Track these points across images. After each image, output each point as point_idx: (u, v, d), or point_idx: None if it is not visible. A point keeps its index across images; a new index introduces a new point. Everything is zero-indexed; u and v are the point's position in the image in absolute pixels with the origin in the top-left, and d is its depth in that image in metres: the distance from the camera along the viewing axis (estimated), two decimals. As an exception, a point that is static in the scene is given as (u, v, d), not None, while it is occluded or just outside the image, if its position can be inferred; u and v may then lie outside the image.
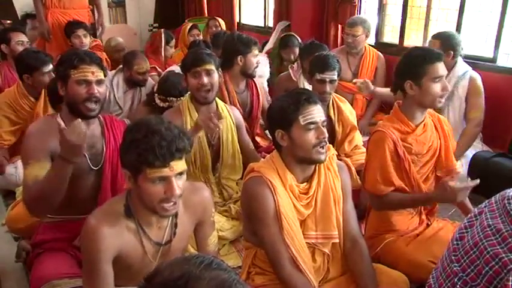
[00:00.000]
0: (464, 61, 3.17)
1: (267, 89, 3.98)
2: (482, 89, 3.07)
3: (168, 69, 3.94)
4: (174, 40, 4.92)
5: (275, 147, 1.80)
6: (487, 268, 1.21)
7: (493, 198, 1.33)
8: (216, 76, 2.49)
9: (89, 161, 1.97)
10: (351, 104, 3.27)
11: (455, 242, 1.36)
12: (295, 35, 4.27)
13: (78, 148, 1.74)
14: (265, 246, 1.72)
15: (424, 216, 2.24)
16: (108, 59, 4.71)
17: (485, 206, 1.34)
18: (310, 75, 2.80)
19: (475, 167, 2.94)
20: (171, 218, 1.56)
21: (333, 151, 1.84)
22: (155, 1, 7.42)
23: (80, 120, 1.77)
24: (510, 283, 1.15)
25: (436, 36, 3.10)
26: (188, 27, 5.09)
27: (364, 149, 2.89)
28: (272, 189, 1.68)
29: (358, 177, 2.74)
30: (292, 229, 1.70)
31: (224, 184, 2.70)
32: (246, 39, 3.08)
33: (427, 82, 2.00)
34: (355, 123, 2.93)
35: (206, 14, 6.88)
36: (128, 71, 3.55)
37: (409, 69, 2.03)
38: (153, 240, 1.54)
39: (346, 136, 2.88)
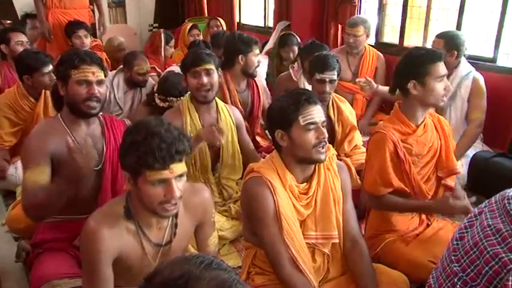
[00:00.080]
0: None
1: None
2: (485, 90, 3.07)
3: (167, 69, 3.95)
4: (173, 40, 4.93)
5: (275, 147, 1.80)
6: (487, 268, 1.21)
7: (493, 198, 1.33)
8: (215, 76, 2.49)
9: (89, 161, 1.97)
10: (351, 104, 3.27)
11: (455, 242, 1.36)
12: (294, 34, 4.28)
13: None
14: (265, 246, 1.72)
15: (424, 216, 2.24)
16: (108, 59, 4.71)
17: (485, 206, 1.34)
18: (310, 75, 2.81)
19: (475, 167, 2.94)
20: (171, 218, 1.56)
21: (332, 151, 1.84)
22: (155, 1, 7.42)
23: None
24: (510, 283, 1.15)
25: (440, 36, 3.09)
26: (188, 27, 5.10)
27: (364, 149, 2.89)
28: (272, 190, 1.68)
29: (358, 177, 2.75)
30: (292, 229, 1.70)
31: (224, 184, 2.70)
32: (247, 38, 3.09)
33: (431, 81, 2.01)
34: (355, 123, 2.94)
35: (206, 14, 6.89)
36: (128, 72, 3.56)
37: (412, 69, 2.03)
38: (153, 241, 1.54)
39: (346, 136, 2.88)
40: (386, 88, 3.36)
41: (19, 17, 5.86)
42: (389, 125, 2.10)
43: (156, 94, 3.09)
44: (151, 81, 3.69)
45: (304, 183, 1.78)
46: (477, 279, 1.23)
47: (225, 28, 5.22)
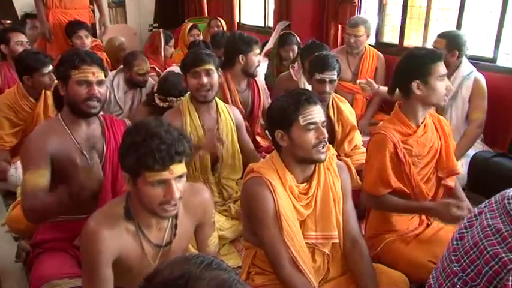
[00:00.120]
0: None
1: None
2: (486, 91, 3.07)
3: (167, 69, 3.95)
4: (173, 40, 4.92)
5: (275, 147, 1.80)
6: (486, 268, 1.21)
7: (493, 198, 1.33)
8: (215, 76, 2.49)
9: (89, 161, 1.97)
10: (351, 104, 3.27)
11: (455, 242, 1.36)
12: (293, 33, 4.28)
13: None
14: (265, 246, 1.72)
15: (424, 217, 2.24)
16: (108, 59, 4.71)
17: (485, 206, 1.34)
18: (310, 75, 2.81)
19: (475, 167, 2.94)
20: (171, 219, 1.55)
21: (332, 151, 1.84)
22: (155, 1, 7.42)
23: None
24: (510, 283, 1.15)
25: (442, 35, 3.09)
26: (188, 27, 5.10)
27: (364, 149, 2.89)
28: (272, 190, 1.68)
29: (358, 177, 2.75)
30: (291, 229, 1.70)
31: (224, 184, 2.70)
32: (248, 38, 3.09)
33: (434, 81, 2.02)
34: (355, 123, 2.94)
35: (206, 14, 6.89)
36: (128, 72, 3.56)
37: (415, 69, 2.04)
38: (153, 242, 1.54)
39: (345, 136, 2.88)
40: (386, 88, 3.38)
41: (19, 17, 5.86)
42: (389, 126, 2.09)
43: (156, 94, 3.09)
44: (151, 81, 3.69)
45: (304, 184, 1.78)
46: (477, 279, 1.23)
47: (225, 28, 5.22)
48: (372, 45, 4.07)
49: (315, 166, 1.78)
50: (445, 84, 2.06)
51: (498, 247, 1.20)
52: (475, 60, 3.33)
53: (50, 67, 2.95)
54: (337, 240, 1.80)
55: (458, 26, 3.64)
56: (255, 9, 6.43)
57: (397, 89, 2.16)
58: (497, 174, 2.77)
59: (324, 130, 1.70)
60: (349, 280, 1.83)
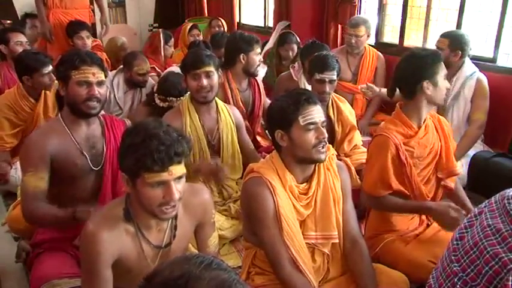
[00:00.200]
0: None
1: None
2: (488, 91, 3.07)
3: (167, 69, 3.95)
4: (172, 39, 4.91)
5: (275, 147, 1.80)
6: (486, 268, 1.21)
7: (492, 198, 1.33)
8: (215, 77, 2.49)
9: (89, 162, 1.97)
10: (351, 104, 3.27)
11: (455, 242, 1.36)
12: (293, 33, 4.28)
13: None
14: (265, 246, 1.72)
15: (424, 217, 2.24)
16: (108, 59, 4.71)
17: (485, 206, 1.34)
18: (310, 75, 2.81)
19: (475, 167, 2.94)
20: (170, 220, 1.55)
21: (332, 151, 1.84)
22: (155, 1, 7.42)
23: None
24: (510, 283, 1.15)
25: (446, 35, 3.08)
26: (188, 27, 5.10)
27: (364, 149, 2.90)
28: (272, 190, 1.68)
29: (358, 177, 2.75)
30: (291, 229, 1.70)
31: (224, 183, 2.70)
32: (248, 37, 3.09)
33: (440, 80, 2.05)
34: (355, 123, 2.94)
35: (206, 14, 6.89)
36: (128, 72, 3.56)
37: (425, 70, 2.04)
38: (152, 243, 1.53)
39: (345, 136, 2.89)
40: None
41: (19, 17, 5.86)
42: (391, 128, 2.09)
43: (156, 94, 3.09)
44: (151, 81, 3.69)
45: (304, 184, 1.78)
46: (477, 279, 1.23)
47: (226, 28, 5.22)
48: (372, 45, 4.07)
49: (315, 166, 1.78)
50: (446, 83, 2.09)
51: (498, 247, 1.20)
52: (475, 60, 3.33)
53: (50, 67, 2.94)
54: (337, 240, 1.80)
55: (458, 26, 3.64)
56: (255, 9, 6.43)
57: (398, 90, 2.16)
58: (497, 174, 2.77)
59: (324, 130, 1.70)
60: (349, 280, 1.83)
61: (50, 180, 1.92)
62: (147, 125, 1.40)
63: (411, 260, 2.03)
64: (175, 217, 1.55)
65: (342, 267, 1.86)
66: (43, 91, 3.01)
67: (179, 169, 1.39)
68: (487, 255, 1.21)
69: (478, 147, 3.16)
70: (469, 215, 1.39)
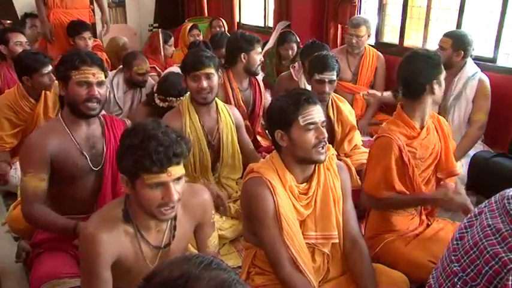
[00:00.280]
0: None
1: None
2: (490, 92, 3.06)
3: (167, 70, 3.95)
4: (172, 39, 4.91)
5: (275, 147, 1.80)
6: (487, 268, 1.21)
7: (492, 198, 1.33)
8: (215, 79, 2.49)
9: (89, 162, 1.97)
10: (351, 104, 3.27)
11: (455, 242, 1.36)
12: (293, 32, 4.28)
13: None
14: (265, 246, 1.71)
15: (424, 217, 2.24)
16: (108, 59, 4.71)
17: (485, 206, 1.34)
18: (310, 75, 2.81)
19: (475, 167, 2.93)
20: (170, 220, 1.55)
21: (332, 151, 1.84)
22: (155, 1, 7.42)
23: None
24: (510, 283, 1.15)
25: (449, 35, 3.08)
26: (188, 27, 5.10)
27: (364, 149, 2.90)
28: (272, 190, 1.68)
29: (358, 177, 2.75)
30: (291, 229, 1.70)
31: (224, 183, 2.70)
32: (249, 36, 3.10)
33: (442, 80, 2.08)
34: (355, 123, 2.93)
35: (206, 14, 6.89)
36: (127, 72, 3.56)
37: (434, 70, 2.05)
38: (151, 244, 1.53)
39: (345, 136, 2.88)
40: (389, 93, 3.39)
41: (19, 17, 5.87)
42: (394, 129, 2.09)
43: (155, 94, 3.09)
44: (151, 81, 3.69)
45: (304, 184, 1.78)
46: (477, 279, 1.23)
47: (226, 29, 5.22)
48: (372, 45, 4.07)
49: (315, 166, 1.78)
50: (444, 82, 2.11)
51: (498, 247, 1.20)
52: (475, 60, 3.32)
53: (50, 67, 2.94)
54: (337, 240, 1.79)
55: (458, 26, 3.64)
56: (255, 9, 6.43)
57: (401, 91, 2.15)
58: (497, 174, 2.77)
59: (324, 130, 1.70)
60: (349, 280, 1.83)
61: (49, 180, 1.92)
62: (145, 125, 1.40)
63: (411, 260, 2.03)
64: (175, 218, 1.55)
65: (342, 267, 1.86)
66: (43, 91, 3.00)
67: (178, 170, 1.39)
68: (487, 255, 1.21)
69: (478, 147, 3.15)
70: (469, 215, 1.39)
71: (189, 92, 2.61)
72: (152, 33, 5.42)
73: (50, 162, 1.90)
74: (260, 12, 6.18)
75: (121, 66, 3.70)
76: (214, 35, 4.50)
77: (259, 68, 3.16)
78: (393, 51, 4.10)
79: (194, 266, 0.75)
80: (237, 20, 6.43)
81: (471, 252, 1.27)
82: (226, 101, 2.99)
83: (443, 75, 2.08)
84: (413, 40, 4.27)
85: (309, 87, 2.96)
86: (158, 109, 3.02)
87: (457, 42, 3.02)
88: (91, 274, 1.44)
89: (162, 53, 4.70)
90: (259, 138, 3.31)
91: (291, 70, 3.64)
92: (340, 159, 2.33)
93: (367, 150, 2.75)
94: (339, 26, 4.65)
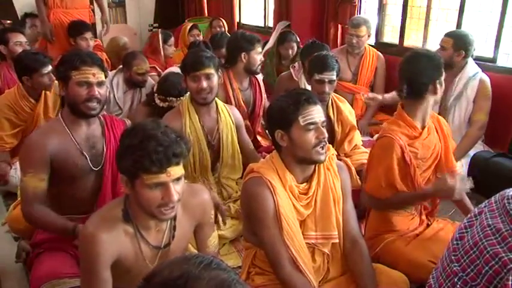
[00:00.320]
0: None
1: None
2: (491, 92, 3.06)
3: (167, 70, 3.95)
4: (172, 38, 4.91)
5: (275, 147, 1.80)
6: (486, 268, 1.21)
7: (492, 198, 1.34)
8: (215, 79, 2.49)
9: (89, 162, 1.97)
10: (351, 104, 3.27)
11: (455, 242, 1.36)
12: (293, 32, 4.28)
13: None
14: (265, 246, 1.71)
15: (424, 217, 2.24)
16: (108, 59, 4.71)
17: (485, 206, 1.34)
18: (309, 75, 2.81)
19: (475, 167, 2.93)
20: (169, 220, 1.55)
21: (332, 151, 1.84)
22: (155, 1, 7.42)
23: None
24: (510, 282, 1.15)
25: (450, 35, 3.07)
26: (188, 27, 5.10)
27: (364, 149, 2.90)
28: (272, 190, 1.68)
29: (358, 177, 2.75)
30: (291, 229, 1.70)
31: (224, 183, 2.70)
32: (250, 36, 3.11)
33: (443, 80, 2.08)
34: (355, 123, 2.93)
35: (206, 14, 6.89)
36: (127, 72, 3.56)
37: (438, 69, 2.06)
38: (151, 244, 1.53)
39: (345, 136, 2.88)
40: (390, 95, 3.39)
41: (19, 17, 5.86)
42: (396, 129, 2.08)
43: (156, 94, 3.09)
44: (151, 81, 3.69)
45: (304, 184, 1.78)
46: (477, 278, 1.23)
47: (226, 29, 5.22)
48: (372, 45, 4.07)
49: (315, 166, 1.78)
50: None
51: (498, 247, 1.20)
52: (475, 60, 3.32)
53: (49, 67, 2.94)
54: (337, 240, 1.79)
55: (458, 26, 3.64)
56: (255, 9, 6.43)
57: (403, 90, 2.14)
58: (497, 174, 2.77)
59: (324, 130, 1.70)
60: (349, 280, 1.83)
61: (50, 180, 1.92)
62: (145, 126, 1.40)
63: (411, 260, 2.03)
64: (174, 218, 1.55)
65: (342, 267, 1.86)
66: (43, 91, 3.00)
67: (178, 170, 1.39)
68: (487, 255, 1.21)
69: (478, 147, 3.15)
70: (469, 215, 1.39)
71: (189, 92, 2.61)
72: (152, 33, 5.42)
73: (50, 162, 1.90)
74: (260, 12, 6.18)
75: (121, 66, 3.70)
76: (214, 35, 4.50)
77: (260, 67, 3.17)
78: (393, 51, 4.10)
79: (194, 266, 0.75)
80: (237, 20, 6.43)
81: (471, 252, 1.27)
82: (227, 100, 2.99)
83: (443, 76, 2.08)
84: (413, 40, 4.27)
85: (309, 87, 2.96)
86: (158, 109, 3.02)
87: (458, 42, 3.02)
88: (91, 274, 1.44)
89: (162, 53, 4.70)
90: (259, 138, 3.31)
91: (291, 70, 3.64)
92: (340, 159, 2.33)
93: (367, 150, 2.75)
94: (339, 26, 4.65)
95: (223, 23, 5.25)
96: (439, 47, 3.12)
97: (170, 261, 0.79)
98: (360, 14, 4.46)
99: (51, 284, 1.79)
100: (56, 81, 2.26)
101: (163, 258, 1.55)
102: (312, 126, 1.67)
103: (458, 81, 3.08)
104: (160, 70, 4.31)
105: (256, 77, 3.25)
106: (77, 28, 4.35)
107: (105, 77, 1.97)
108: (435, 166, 2.18)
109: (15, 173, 3.00)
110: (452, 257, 1.33)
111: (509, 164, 2.83)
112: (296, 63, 3.73)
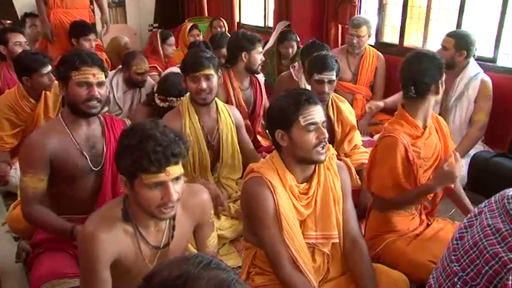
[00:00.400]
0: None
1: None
2: (492, 93, 3.06)
3: (167, 70, 3.95)
4: (172, 38, 4.89)
5: (275, 147, 1.80)
6: (486, 267, 1.21)
7: (492, 198, 1.34)
8: (215, 80, 2.49)
9: (89, 162, 1.97)
10: (351, 104, 3.27)
11: (455, 242, 1.36)
12: (293, 31, 4.29)
13: None
14: (265, 246, 1.71)
15: (424, 217, 2.24)
16: (108, 59, 4.71)
17: (485, 206, 1.34)
18: (309, 75, 2.81)
19: (475, 167, 2.94)
20: (169, 220, 1.55)
21: (332, 151, 1.84)
22: (155, 1, 7.42)
23: None
24: (510, 282, 1.15)
25: (451, 35, 3.07)
26: (188, 27, 5.10)
27: (364, 149, 2.90)
28: (272, 190, 1.68)
29: (358, 177, 2.75)
30: (292, 229, 1.70)
31: (224, 183, 2.70)
32: (251, 36, 3.11)
33: (444, 80, 2.09)
34: (355, 123, 2.93)
35: (206, 14, 6.89)
36: (126, 72, 3.56)
37: (440, 69, 2.06)
38: (150, 244, 1.53)
39: (345, 136, 2.88)
40: (392, 98, 3.42)
41: (19, 17, 5.86)
42: (398, 128, 2.08)
43: (156, 94, 3.09)
44: (151, 81, 3.69)
45: (304, 183, 1.78)
46: (477, 278, 1.23)
47: (227, 29, 5.22)
48: (372, 45, 4.07)
49: (315, 166, 1.78)
50: None
51: (498, 246, 1.20)
52: (475, 60, 3.32)
53: (49, 67, 2.94)
54: (337, 240, 1.79)
55: (458, 26, 3.64)
56: (255, 9, 6.43)
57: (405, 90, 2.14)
58: (497, 174, 2.77)
59: (325, 130, 1.70)
60: (349, 280, 1.83)
61: (49, 180, 1.93)
62: (143, 125, 1.40)
63: (411, 260, 2.03)
64: (174, 217, 1.55)
65: (342, 267, 1.86)
66: (43, 91, 3.00)
67: (177, 170, 1.39)
68: (487, 255, 1.21)
69: (478, 147, 3.16)
70: (469, 215, 1.39)
71: (188, 93, 2.61)
72: (152, 33, 5.42)
73: (50, 162, 1.90)
74: (260, 12, 6.19)
75: (120, 66, 3.70)
76: (215, 35, 4.49)
77: (260, 67, 3.17)
78: (393, 51, 4.10)
79: (193, 265, 0.75)
80: (237, 20, 6.43)
81: (471, 252, 1.27)
82: (227, 100, 2.99)
83: (444, 76, 2.08)
84: (413, 40, 4.27)
85: (309, 87, 2.96)
86: (158, 109, 3.02)
87: (459, 42, 3.01)
88: (90, 274, 1.44)
89: (161, 52, 4.70)
90: (259, 138, 3.30)
91: (291, 70, 3.64)
92: (340, 159, 2.33)
93: (367, 150, 2.76)
94: (339, 26, 4.65)
95: (223, 23, 5.26)
96: (439, 47, 3.12)
97: (169, 261, 0.79)
98: (360, 14, 4.46)
99: (51, 284, 1.79)
100: (56, 81, 2.26)
101: (162, 258, 1.55)
102: (312, 127, 1.67)
103: (459, 82, 3.08)
104: (161, 70, 4.31)
105: (256, 77, 3.25)
106: (81, 29, 4.33)
107: (105, 77, 1.97)
108: (436, 166, 2.18)
109: (15, 173, 3.00)
110: (452, 257, 1.33)
111: (509, 164, 2.83)
112: (296, 63, 3.73)
